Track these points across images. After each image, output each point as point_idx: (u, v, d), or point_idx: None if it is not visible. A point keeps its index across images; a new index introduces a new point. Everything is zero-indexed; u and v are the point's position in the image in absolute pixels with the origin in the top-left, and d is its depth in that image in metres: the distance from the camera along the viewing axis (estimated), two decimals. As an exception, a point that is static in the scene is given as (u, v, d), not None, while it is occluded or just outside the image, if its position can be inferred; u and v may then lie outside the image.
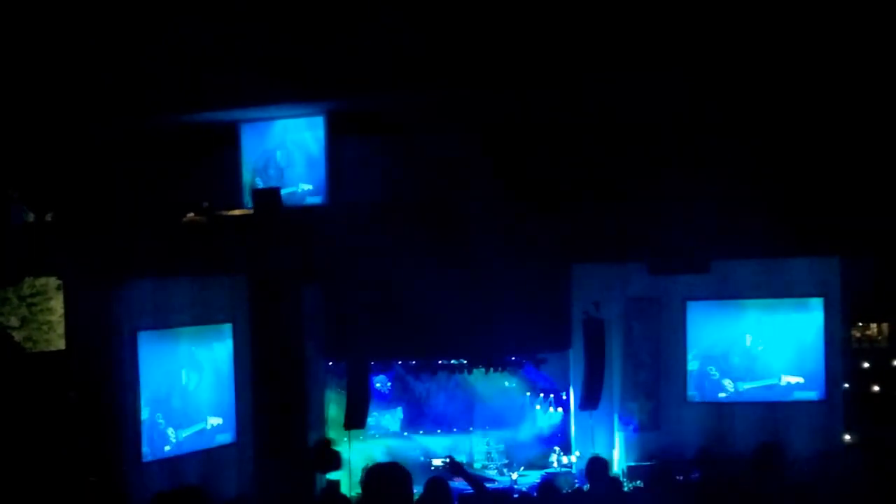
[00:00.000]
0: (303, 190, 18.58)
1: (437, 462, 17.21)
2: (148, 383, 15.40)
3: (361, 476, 6.82)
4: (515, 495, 15.48)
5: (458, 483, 10.76)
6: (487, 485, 13.19)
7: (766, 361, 18.38)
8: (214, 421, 16.46)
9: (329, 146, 18.27)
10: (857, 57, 16.16)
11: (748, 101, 17.24)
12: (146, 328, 15.54)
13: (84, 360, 14.88)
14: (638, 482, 16.62)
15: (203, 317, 16.55)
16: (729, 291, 18.35)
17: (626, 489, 15.66)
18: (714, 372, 18.38)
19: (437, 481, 8.74)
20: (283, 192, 17.30)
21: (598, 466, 11.05)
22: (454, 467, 10.21)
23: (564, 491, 13.87)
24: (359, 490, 17.09)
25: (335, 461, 17.20)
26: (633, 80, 16.70)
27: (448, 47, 16.25)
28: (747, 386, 18.36)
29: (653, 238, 16.93)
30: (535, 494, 13.79)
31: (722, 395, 18.41)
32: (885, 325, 20.71)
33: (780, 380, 18.30)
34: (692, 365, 18.46)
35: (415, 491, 7.19)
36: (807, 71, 16.78)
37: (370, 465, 7.32)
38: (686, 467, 15.91)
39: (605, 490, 10.78)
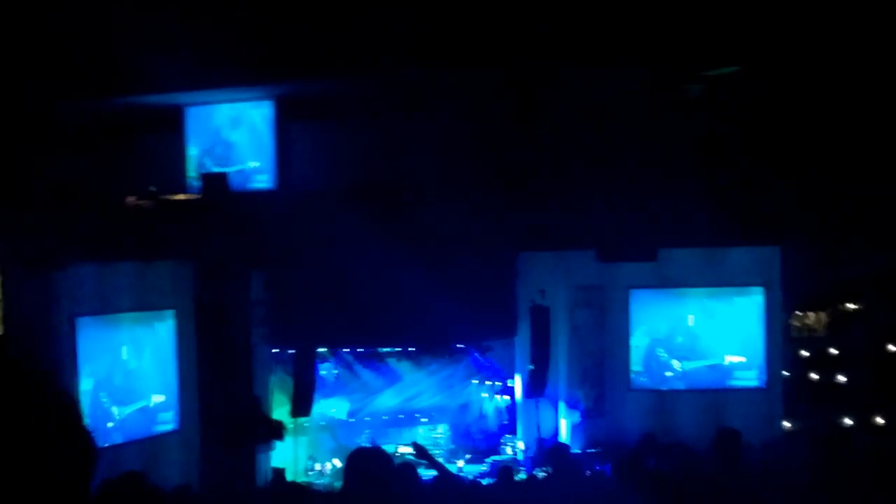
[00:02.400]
0: (251, 167, 18.35)
1: (403, 449, 17.06)
2: (88, 369, 15.15)
3: (345, 461, 6.70)
4: (465, 483, 15.40)
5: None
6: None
7: (709, 341, 18.47)
8: (157, 398, 16.21)
9: (277, 131, 18.08)
10: (797, 47, 16.30)
11: (693, 93, 17.33)
12: (86, 314, 15.28)
13: (22, 345, 14.58)
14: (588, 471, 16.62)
15: (145, 303, 16.31)
16: (672, 280, 18.41)
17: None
18: (662, 353, 18.43)
19: (407, 467, 8.68)
20: (230, 169, 17.12)
21: (558, 453, 11.04)
22: (420, 453, 10.15)
23: (516, 478, 13.78)
24: (304, 479, 17.00)
25: (277, 430, 17.03)
26: (584, 70, 16.70)
27: (396, 31, 16.13)
28: (692, 365, 18.42)
29: (601, 227, 16.95)
30: (484, 483, 13.76)
31: (669, 373, 18.44)
32: (822, 314, 20.91)
33: (723, 359, 18.38)
34: (641, 341, 18.48)
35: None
36: (750, 62, 16.90)
37: (354, 449, 7.21)
38: (637, 454, 15.96)
39: (565, 476, 10.75)
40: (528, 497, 10.99)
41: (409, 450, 15.76)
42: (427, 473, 10.46)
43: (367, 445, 8.34)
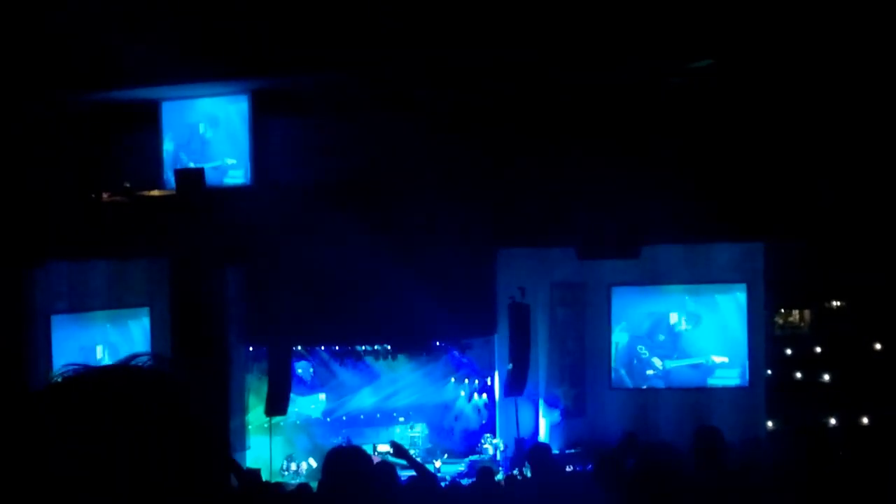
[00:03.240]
0: (227, 164, 18.13)
1: (381, 448, 16.88)
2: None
3: (323, 460, 6.59)
4: (442, 484, 15.24)
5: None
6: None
7: (691, 340, 18.30)
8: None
9: (254, 126, 17.85)
10: (780, 40, 16.20)
11: (675, 87, 17.22)
12: (61, 311, 15.11)
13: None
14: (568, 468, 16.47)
15: (120, 300, 16.18)
16: (654, 277, 18.25)
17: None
18: (643, 351, 18.27)
19: (385, 466, 8.51)
20: (206, 165, 16.92)
21: (540, 452, 10.85)
22: (399, 452, 9.97)
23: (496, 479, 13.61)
24: (279, 479, 16.80)
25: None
26: (562, 66, 16.57)
27: (373, 26, 15.96)
28: (674, 364, 18.27)
29: (582, 223, 16.79)
30: (463, 482, 13.59)
31: (650, 371, 18.28)
32: (807, 313, 20.82)
33: (705, 358, 18.22)
34: (621, 338, 18.32)
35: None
36: (730, 56, 16.79)
37: (332, 448, 7.07)
38: (618, 454, 15.81)
39: (546, 476, 10.57)
40: (508, 497, 10.82)
41: (388, 448, 15.60)
42: (406, 473, 10.29)
43: (344, 444, 8.16)
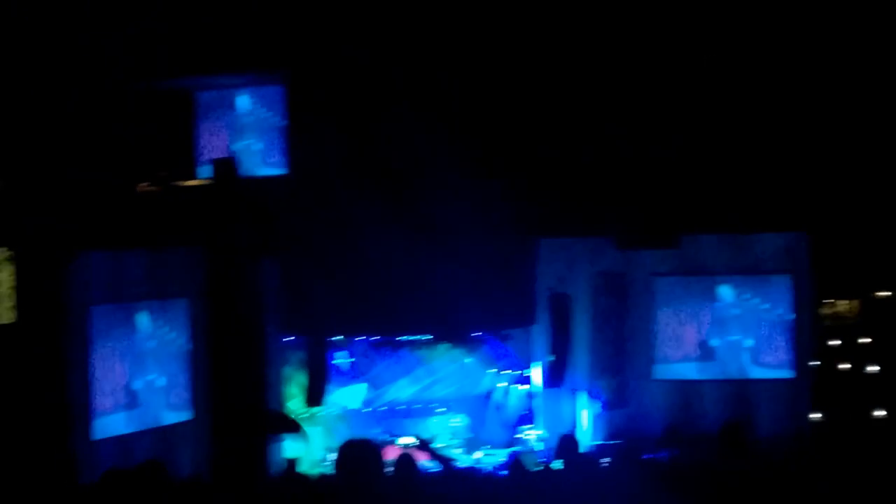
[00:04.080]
0: (262, 152, 18.09)
1: (405, 440, 16.82)
2: (100, 359, 15.01)
3: (336, 453, 6.62)
4: (480, 475, 15.14)
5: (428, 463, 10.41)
6: (454, 464, 12.92)
7: (735, 331, 18.04)
8: (169, 398, 16.07)
9: (289, 115, 17.80)
10: (825, 33, 16.06)
11: (720, 77, 17.04)
12: (99, 302, 15.12)
13: (35, 334, 14.45)
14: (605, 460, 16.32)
15: (158, 291, 16.15)
16: (697, 267, 18.03)
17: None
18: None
19: (406, 459, 8.46)
20: (240, 155, 16.91)
21: (569, 445, 10.76)
22: (422, 445, 9.91)
23: (533, 470, 13.49)
24: (318, 470, 16.74)
25: (293, 424, 16.85)
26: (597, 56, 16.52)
27: (414, 15, 15.93)
28: (717, 355, 18.06)
29: (621, 213, 16.64)
30: (501, 474, 13.48)
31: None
32: (854, 303, 20.49)
33: (749, 349, 17.99)
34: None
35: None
36: (772, 47, 16.62)
37: (344, 441, 7.03)
38: (654, 446, 15.71)
39: (576, 469, 10.48)
40: (538, 489, 10.69)
41: (413, 441, 15.54)
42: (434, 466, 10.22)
43: (358, 438, 8.11)
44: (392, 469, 8.38)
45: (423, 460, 9.54)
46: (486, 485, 10.75)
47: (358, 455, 6.83)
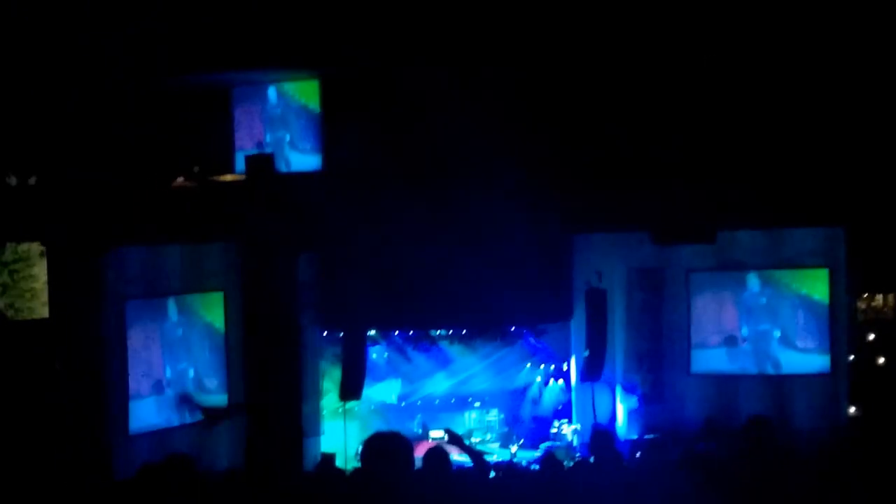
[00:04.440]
0: (297, 148, 18.11)
1: (435, 434, 16.83)
2: (136, 353, 15.05)
3: (361, 446, 6.62)
4: (516, 469, 15.11)
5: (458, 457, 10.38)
6: (486, 458, 12.84)
7: (772, 325, 17.91)
8: (205, 392, 16.11)
9: (324, 110, 17.82)
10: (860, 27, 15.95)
11: (756, 69, 16.93)
12: (134, 296, 15.16)
13: (69, 329, 14.51)
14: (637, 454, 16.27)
15: (194, 285, 16.19)
16: (733, 262, 17.92)
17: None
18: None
19: (437, 452, 8.41)
20: (276, 150, 16.94)
21: (601, 438, 10.69)
22: (453, 439, 9.86)
23: (566, 463, 13.46)
24: (355, 464, 16.74)
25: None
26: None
27: (450, 11, 15.92)
28: (754, 349, 17.94)
29: (657, 208, 16.56)
30: (536, 468, 13.43)
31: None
32: (891, 297, 20.30)
33: (786, 343, 17.85)
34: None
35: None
36: (821, 41, 16.52)
37: (370, 434, 7.01)
38: (690, 440, 15.65)
39: (608, 462, 10.40)
40: (570, 483, 10.64)
41: (442, 434, 15.51)
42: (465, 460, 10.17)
43: (385, 431, 8.12)
44: (422, 463, 8.36)
45: (455, 454, 9.50)
46: (519, 479, 10.67)
47: (383, 448, 6.80)
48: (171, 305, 15.83)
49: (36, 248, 15.24)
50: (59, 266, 14.69)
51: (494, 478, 10.70)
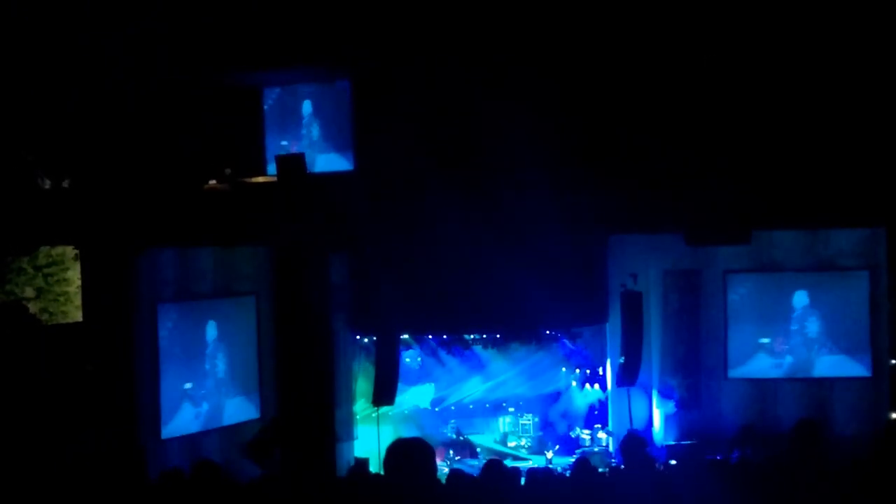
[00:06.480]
0: (329, 149, 18.04)
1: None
2: (168, 357, 15.01)
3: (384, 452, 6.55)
4: (552, 475, 14.96)
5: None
6: (520, 464, 12.76)
7: (811, 328, 17.67)
8: (237, 396, 16.07)
9: (356, 111, 17.73)
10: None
11: (796, 66, 16.73)
12: (167, 300, 15.13)
13: (102, 332, 14.47)
14: (671, 461, 16.09)
15: (226, 288, 16.14)
16: (772, 264, 17.71)
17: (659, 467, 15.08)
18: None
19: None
20: (307, 151, 16.85)
21: (633, 443, 10.52)
22: (464, 442, 9.77)
23: (601, 470, 13.30)
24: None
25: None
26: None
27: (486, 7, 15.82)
28: (793, 353, 17.69)
29: (692, 208, 16.35)
30: (569, 474, 13.28)
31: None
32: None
33: (826, 347, 17.61)
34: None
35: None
36: (847, 42, 16.31)
37: (394, 440, 6.94)
38: (726, 446, 15.46)
39: (639, 468, 10.25)
40: (603, 489, 10.50)
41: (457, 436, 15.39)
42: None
43: (408, 437, 8.02)
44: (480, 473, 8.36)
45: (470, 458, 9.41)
46: (550, 485, 10.53)
47: (406, 454, 6.71)
48: (204, 308, 15.77)
49: (69, 251, 15.22)
50: (92, 269, 14.67)
51: (526, 484, 10.59)
